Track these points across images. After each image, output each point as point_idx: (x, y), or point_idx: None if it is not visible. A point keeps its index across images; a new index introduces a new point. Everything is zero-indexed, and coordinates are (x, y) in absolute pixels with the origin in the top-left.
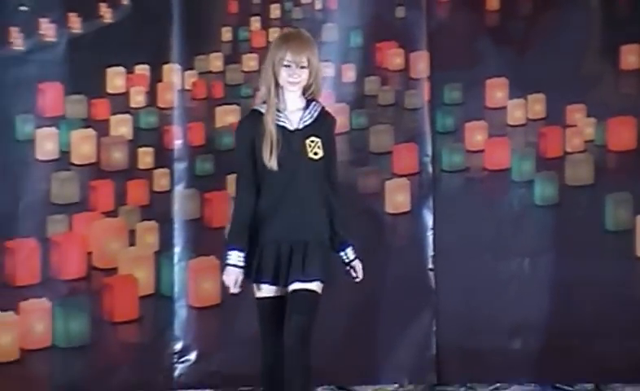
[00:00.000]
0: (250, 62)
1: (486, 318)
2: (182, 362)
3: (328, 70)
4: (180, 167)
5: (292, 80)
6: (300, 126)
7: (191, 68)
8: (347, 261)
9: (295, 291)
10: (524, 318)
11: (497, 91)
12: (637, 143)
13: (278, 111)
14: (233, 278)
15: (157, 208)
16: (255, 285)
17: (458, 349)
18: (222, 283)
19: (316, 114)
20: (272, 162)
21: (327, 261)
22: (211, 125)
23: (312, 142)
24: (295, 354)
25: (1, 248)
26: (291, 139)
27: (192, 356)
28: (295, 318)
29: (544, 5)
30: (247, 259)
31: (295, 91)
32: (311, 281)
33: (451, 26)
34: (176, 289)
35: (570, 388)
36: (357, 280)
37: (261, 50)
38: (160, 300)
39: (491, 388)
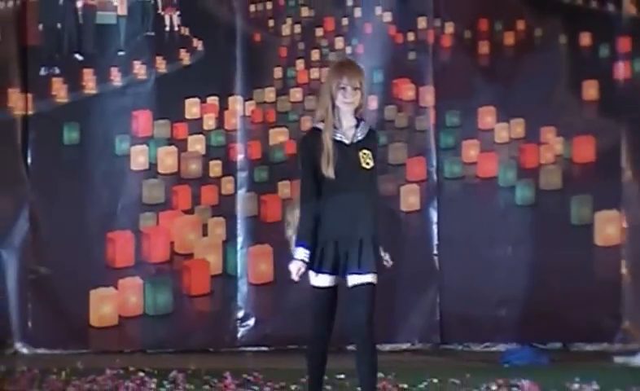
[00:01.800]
0: (296, 94)
1: (479, 292)
2: (244, 326)
3: None
4: (242, 175)
5: (348, 100)
6: (354, 141)
7: (251, 99)
8: (380, 254)
9: (355, 285)
10: (508, 293)
11: (487, 116)
12: (596, 157)
13: (335, 128)
14: (296, 268)
15: (224, 207)
16: (314, 274)
17: (457, 316)
18: (276, 266)
19: (366, 131)
20: (329, 171)
21: (378, 255)
22: (266, 143)
23: (364, 154)
24: (363, 338)
25: (104, 238)
26: (347, 152)
27: (251, 322)
28: (359, 309)
29: (524, 49)
30: (311, 253)
31: (349, 111)
32: (367, 273)
33: (452, 66)
34: (239, 270)
35: (543, 346)
36: (388, 266)
37: (305, 85)
38: (226, 279)
39: (482, 346)
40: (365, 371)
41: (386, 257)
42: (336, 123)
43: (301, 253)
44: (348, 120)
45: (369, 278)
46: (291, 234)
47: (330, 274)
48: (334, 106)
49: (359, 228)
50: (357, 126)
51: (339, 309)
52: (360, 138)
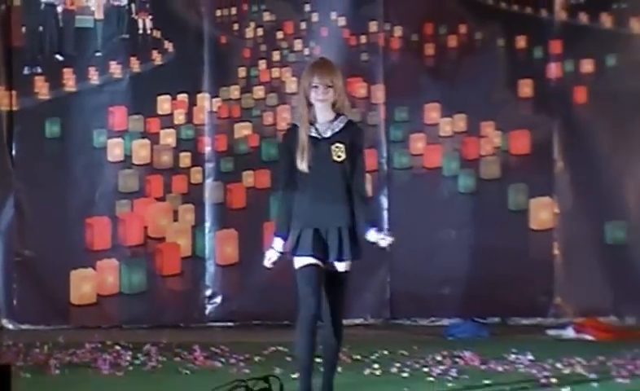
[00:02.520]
0: (259, 92)
1: (425, 272)
2: (211, 303)
3: None
4: (209, 166)
5: (320, 98)
6: (328, 135)
7: (217, 96)
8: (372, 240)
9: (332, 273)
10: (452, 272)
11: (432, 112)
12: (531, 149)
13: (311, 124)
14: (269, 256)
15: (193, 195)
16: (295, 259)
17: (406, 293)
18: (241, 248)
19: (342, 125)
20: (303, 165)
21: (355, 243)
22: (231, 137)
23: (337, 148)
24: (332, 322)
25: (83, 223)
26: (320, 146)
27: (218, 299)
28: (333, 297)
29: (465, 51)
30: (288, 241)
31: (324, 107)
32: (345, 260)
33: (400, 66)
34: (207, 252)
35: (483, 321)
36: (384, 245)
37: (267, 83)
38: (195, 260)
39: (428, 320)
40: (330, 351)
41: (381, 235)
42: (312, 119)
43: (277, 243)
44: (324, 116)
45: (346, 265)
46: None
47: (309, 256)
48: (309, 103)
49: (334, 218)
50: (333, 121)
51: (289, 285)
52: (333, 132)
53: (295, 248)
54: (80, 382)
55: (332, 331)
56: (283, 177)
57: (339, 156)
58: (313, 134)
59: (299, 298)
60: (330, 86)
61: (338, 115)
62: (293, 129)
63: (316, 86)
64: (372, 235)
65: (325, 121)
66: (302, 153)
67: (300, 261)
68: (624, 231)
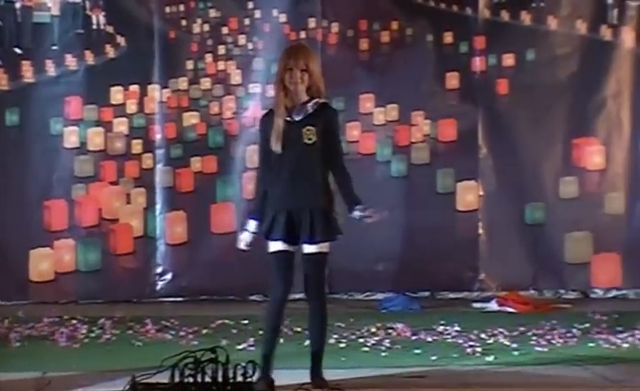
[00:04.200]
0: (206, 83)
1: (361, 250)
2: (162, 280)
3: (257, 88)
4: (160, 152)
5: (294, 81)
6: (299, 118)
7: (167, 87)
8: (358, 217)
9: (308, 254)
10: (385, 250)
11: (366, 102)
12: (457, 136)
13: (286, 108)
14: (243, 238)
15: (145, 179)
16: (269, 242)
17: (343, 269)
18: (189, 228)
19: (315, 108)
20: (276, 147)
21: (329, 223)
22: (180, 125)
23: (308, 130)
24: (315, 302)
25: (41, 205)
26: (293, 129)
27: (168, 276)
28: (311, 277)
29: (397, 46)
30: (262, 223)
31: (300, 91)
32: (319, 242)
33: (337, 59)
34: (157, 232)
35: (414, 295)
36: (370, 222)
37: (213, 75)
38: (147, 240)
39: (363, 295)
40: (315, 327)
41: (366, 212)
42: (287, 103)
43: (251, 225)
44: (299, 99)
45: (321, 247)
46: None
47: (283, 240)
48: (284, 87)
49: (307, 199)
50: (307, 104)
51: (250, 262)
52: (306, 115)
53: (268, 232)
54: (38, 354)
55: (314, 308)
56: (260, 162)
57: (309, 139)
58: (288, 118)
59: (270, 279)
60: (304, 70)
61: (312, 98)
62: (269, 113)
63: (290, 69)
64: (357, 213)
65: (300, 104)
66: (277, 137)
67: (272, 246)
68: (543, 212)
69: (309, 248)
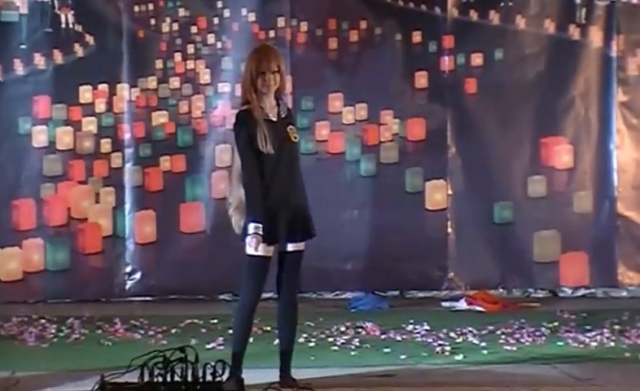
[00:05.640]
0: (174, 83)
1: (330, 249)
2: (131, 279)
3: (226, 87)
4: (129, 151)
5: (268, 83)
6: (281, 116)
7: (136, 86)
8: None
9: (290, 252)
10: (354, 249)
11: (336, 102)
12: (426, 135)
13: (261, 108)
14: (255, 243)
15: (114, 179)
16: (247, 246)
17: (312, 268)
18: (158, 228)
19: (286, 109)
20: (268, 147)
21: (310, 221)
22: (149, 124)
23: (291, 129)
24: (289, 299)
25: (10, 205)
26: (277, 128)
27: (137, 275)
28: (291, 275)
29: (366, 45)
30: (262, 226)
31: (270, 92)
32: (301, 241)
33: (306, 59)
34: (126, 231)
35: (383, 294)
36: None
37: (182, 74)
38: (116, 239)
39: (333, 294)
40: (287, 327)
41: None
42: (261, 104)
43: (256, 228)
44: (270, 101)
45: (302, 246)
46: (231, 212)
47: (268, 244)
48: (256, 89)
49: (295, 197)
50: (278, 105)
51: (219, 262)
52: (284, 114)
53: (268, 235)
54: (7, 353)
55: (286, 307)
56: (249, 164)
57: (295, 137)
58: (271, 118)
59: (243, 281)
60: (276, 72)
61: (277, 100)
62: (246, 114)
63: (263, 72)
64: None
65: (271, 106)
66: (263, 137)
67: (262, 250)
68: (511, 211)
69: (294, 247)
